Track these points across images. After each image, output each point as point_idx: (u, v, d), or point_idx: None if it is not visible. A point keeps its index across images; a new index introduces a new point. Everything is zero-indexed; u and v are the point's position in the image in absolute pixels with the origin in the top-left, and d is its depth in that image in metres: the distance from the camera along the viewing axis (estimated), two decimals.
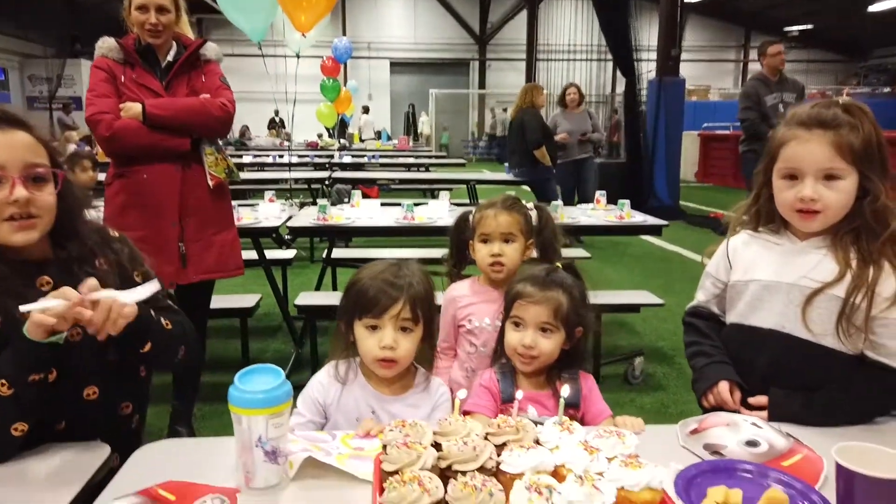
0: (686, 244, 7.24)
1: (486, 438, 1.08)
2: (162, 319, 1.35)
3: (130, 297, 1.20)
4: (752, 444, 1.19)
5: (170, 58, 2.57)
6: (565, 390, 1.18)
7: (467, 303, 1.94)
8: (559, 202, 4.20)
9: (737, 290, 1.49)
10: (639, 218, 3.86)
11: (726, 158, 13.55)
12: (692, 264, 6.39)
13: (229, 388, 1.03)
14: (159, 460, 1.18)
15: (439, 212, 3.90)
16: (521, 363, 1.46)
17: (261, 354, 3.90)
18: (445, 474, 0.99)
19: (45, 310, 1.11)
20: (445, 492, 0.92)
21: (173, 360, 1.41)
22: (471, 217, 1.98)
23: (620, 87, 10.84)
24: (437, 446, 1.06)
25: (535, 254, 1.94)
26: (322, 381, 1.46)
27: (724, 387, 1.43)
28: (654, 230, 3.91)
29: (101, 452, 1.19)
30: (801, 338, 1.36)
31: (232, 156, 9.64)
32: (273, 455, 1.04)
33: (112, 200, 2.59)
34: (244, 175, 7.93)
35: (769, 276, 1.42)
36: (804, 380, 1.36)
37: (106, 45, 2.51)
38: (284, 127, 16.77)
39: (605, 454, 1.03)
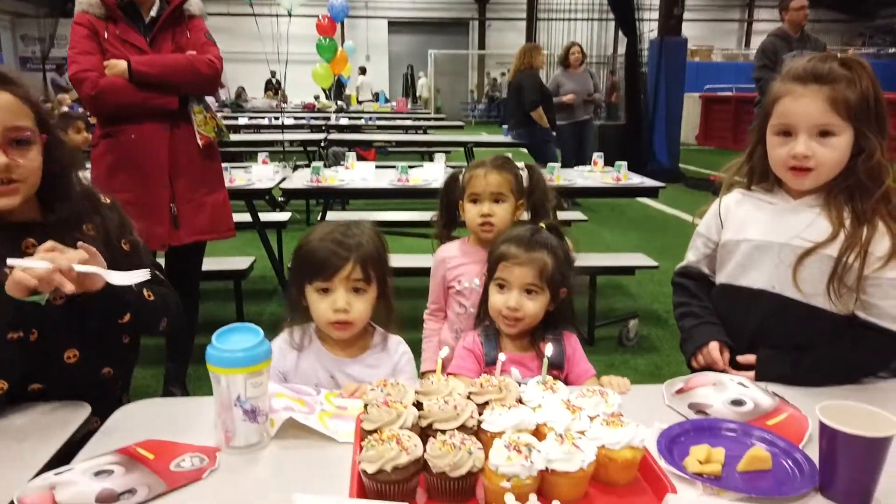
0: (684, 207, 7.19)
1: (468, 398, 1.07)
2: (144, 291, 1.32)
3: (117, 280, 1.17)
4: (737, 403, 1.18)
5: (153, 13, 2.49)
6: (548, 349, 1.16)
7: (456, 263, 1.93)
8: (556, 164, 4.15)
9: (727, 249, 1.46)
10: (636, 180, 3.82)
11: (728, 121, 13.40)
12: (690, 228, 6.32)
13: (207, 347, 1.02)
14: (140, 420, 1.17)
15: (434, 174, 3.86)
16: (505, 325, 1.44)
17: (256, 318, 3.90)
18: (426, 433, 0.99)
19: (28, 269, 1.08)
20: (425, 450, 0.91)
21: (154, 330, 1.39)
22: (460, 177, 1.95)
23: (622, 49, 10.64)
24: (418, 406, 1.05)
25: (526, 215, 1.91)
26: (279, 348, 1.43)
27: (713, 346, 1.42)
28: (651, 192, 3.88)
29: (81, 411, 1.18)
30: (791, 298, 1.35)
31: (227, 118, 9.51)
32: (252, 414, 1.03)
33: (99, 161, 2.54)
34: (239, 137, 7.86)
35: (761, 236, 1.39)
36: (794, 340, 1.34)
37: (86, 0, 2.44)
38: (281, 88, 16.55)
39: (587, 413, 1.02)
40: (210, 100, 2.77)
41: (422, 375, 1.77)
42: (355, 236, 1.39)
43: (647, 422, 1.05)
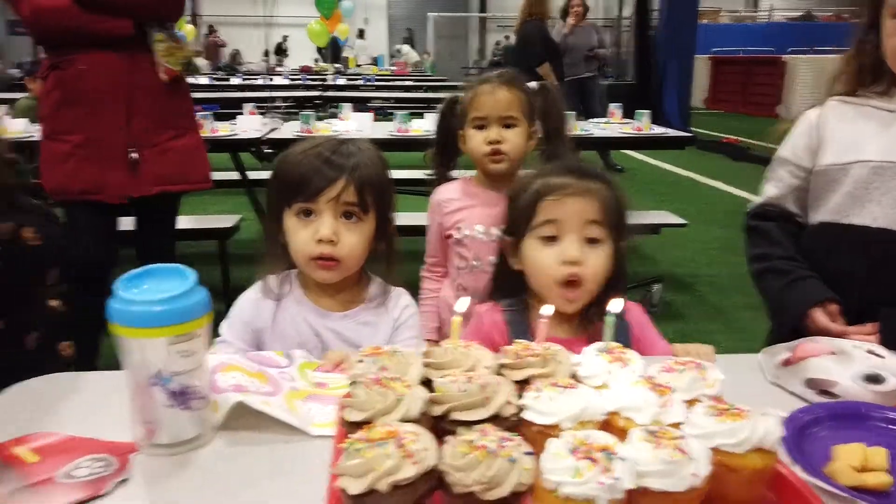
0: (699, 169, 6.85)
1: (499, 374, 0.74)
2: (26, 231, 0.96)
3: None
4: (872, 379, 0.84)
5: None
6: (617, 304, 0.80)
7: (456, 207, 1.61)
8: (572, 113, 3.78)
9: (829, 177, 1.11)
10: (658, 130, 3.46)
11: (738, 83, 12.98)
12: (706, 189, 6.03)
13: (107, 299, 0.68)
14: (44, 399, 0.84)
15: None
16: (563, 295, 0.99)
17: (246, 284, 3.56)
18: (441, 427, 0.65)
19: None
20: (441, 457, 0.58)
21: (41, 281, 1.05)
22: (458, 102, 1.61)
23: (627, 11, 10.20)
24: (427, 384, 0.71)
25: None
26: (251, 299, 1.11)
27: (832, 309, 1.07)
28: (678, 143, 3.52)
29: None
30: None
31: (219, 80, 9.11)
32: (181, 397, 0.69)
33: (47, 98, 2.18)
34: (230, 95, 7.44)
35: (880, 156, 1.05)
36: None
37: None
38: (281, 54, 16.00)
39: (680, 396, 0.68)
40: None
41: None
42: (351, 154, 1.05)
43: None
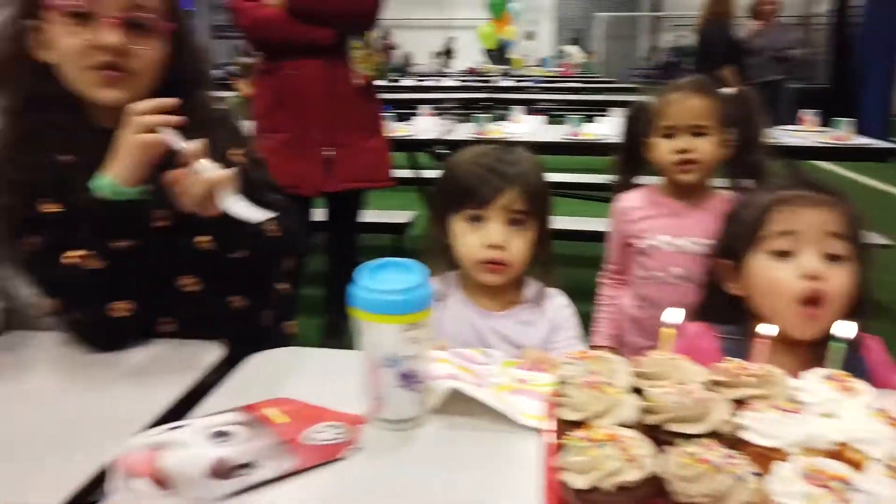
0: None
1: (711, 390, 0.73)
2: (270, 225, 1.07)
3: (242, 210, 0.94)
4: None
5: None
6: (849, 328, 0.76)
7: (640, 216, 1.59)
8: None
9: None
10: (859, 140, 3.14)
11: None
12: None
13: (350, 286, 0.76)
14: (278, 370, 0.96)
15: (612, 128, 3.43)
16: (805, 314, 0.90)
17: None
18: (655, 437, 0.66)
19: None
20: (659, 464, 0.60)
21: (276, 268, 1.19)
22: (648, 106, 1.58)
23: (819, 7, 9.31)
24: (635, 392, 0.73)
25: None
26: None
27: None
28: (879, 154, 3.18)
29: (211, 352, 0.99)
30: None
31: (391, 81, 9.59)
32: (408, 379, 0.77)
33: (258, 100, 2.46)
34: (402, 96, 7.81)
35: None
36: None
37: None
38: (449, 55, 16.50)
39: None
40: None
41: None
42: (517, 162, 1.12)
43: None
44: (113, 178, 0.91)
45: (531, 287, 1.19)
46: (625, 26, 20.95)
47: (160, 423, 0.79)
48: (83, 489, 0.69)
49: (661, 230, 1.56)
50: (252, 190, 0.99)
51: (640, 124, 1.60)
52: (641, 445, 0.60)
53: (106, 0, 0.96)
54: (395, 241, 3.59)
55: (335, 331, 2.70)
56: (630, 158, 1.67)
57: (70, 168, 0.98)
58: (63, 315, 1.00)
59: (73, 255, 0.94)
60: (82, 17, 0.96)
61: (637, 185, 1.69)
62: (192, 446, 0.72)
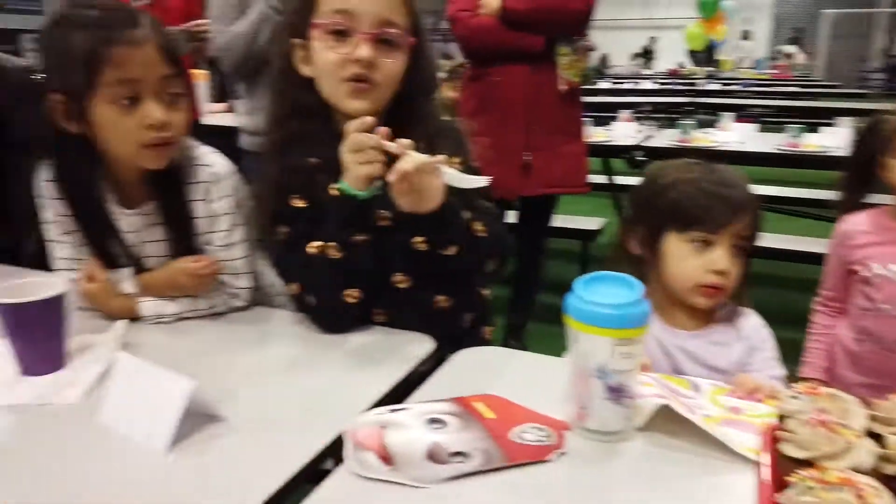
0: None
1: None
2: (477, 225, 1.13)
3: (454, 178, 1.01)
4: None
5: None
6: None
7: (866, 241, 1.46)
8: None
9: None
10: None
11: None
12: None
13: (567, 295, 0.79)
14: (481, 368, 1.01)
15: (836, 140, 3.10)
16: None
17: None
18: (892, 487, 0.61)
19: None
20: None
21: (479, 270, 1.22)
22: (883, 123, 1.44)
23: None
24: (871, 437, 0.67)
25: None
26: None
27: None
28: None
29: (424, 345, 1.07)
30: None
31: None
32: (617, 393, 0.77)
33: (465, 105, 2.57)
34: (598, 99, 7.67)
35: None
36: None
37: None
38: (649, 57, 15.90)
39: None
40: None
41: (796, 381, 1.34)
42: (736, 184, 1.11)
43: None
44: (346, 181, 1.03)
45: (725, 307, 1.15)
46: (857, 24, 18.63)
47: (381, 404, 0.88)
48: (320, 453, 0.79)
49: (891, 258, 1.43)
50: (465, 195, 1.06)
51: (877, 140, 1.45)
52: (881, 495, 0.56)
53: (362, 18, 1.07)
54: (582, 248, 3.57)
55: (517, 332, 2.75)
56: (860, 177, 1.53)
57: (317, 169, 1.11)
58: (300, 297, 1.13)
59: (316, 246, 1.07)
60: (341, 34, 1.08)
61: (864, 206, 1.54)
62: (412, 429, 0.79)
